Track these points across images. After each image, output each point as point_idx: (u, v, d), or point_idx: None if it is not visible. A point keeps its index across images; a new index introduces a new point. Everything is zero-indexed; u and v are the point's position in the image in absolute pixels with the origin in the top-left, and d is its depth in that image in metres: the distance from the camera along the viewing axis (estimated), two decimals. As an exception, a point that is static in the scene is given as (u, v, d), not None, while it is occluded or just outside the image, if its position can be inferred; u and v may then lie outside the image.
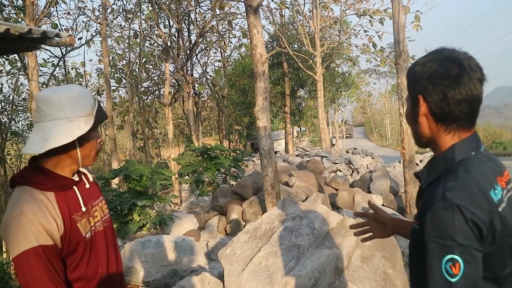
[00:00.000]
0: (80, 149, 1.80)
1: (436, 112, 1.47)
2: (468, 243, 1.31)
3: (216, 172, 10.79)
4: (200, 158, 11.20)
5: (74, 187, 1.87)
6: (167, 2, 18.00)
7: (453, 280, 1.30)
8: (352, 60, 26.21)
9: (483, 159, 1.49)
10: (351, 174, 15.60)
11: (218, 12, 18.64)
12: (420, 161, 15.19)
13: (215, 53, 27.00)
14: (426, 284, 1.37)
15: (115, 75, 22.89)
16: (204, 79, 24.72)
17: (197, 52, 22.02)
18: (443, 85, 1.43)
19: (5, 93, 20.24)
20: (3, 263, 14.85)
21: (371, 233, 2.13)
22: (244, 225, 8.26)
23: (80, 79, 22.66)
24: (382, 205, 9.63)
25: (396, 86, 9.62)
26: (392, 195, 10.25)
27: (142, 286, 5.53)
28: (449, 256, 1.31)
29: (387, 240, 4.65)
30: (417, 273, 1.53)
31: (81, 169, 1.96)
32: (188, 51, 19.31)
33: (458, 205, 1.32)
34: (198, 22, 19.12)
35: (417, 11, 15.69)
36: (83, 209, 1.86)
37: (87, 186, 1.97)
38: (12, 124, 20.11)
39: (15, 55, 16.10)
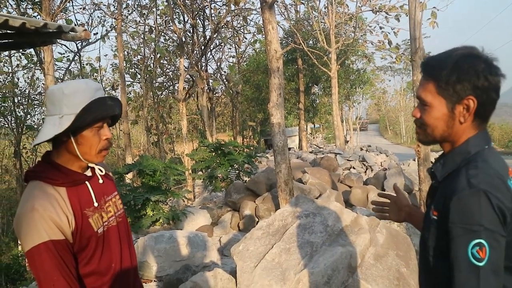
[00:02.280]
0: (77, 146, 1.78)
1: (481, 110, 1.48)
2: (494, 228, 1.33)
3: (230, 168, 10.79)
4: (213, 154, 11.21)
5: (86, 182, 1.87)
6: (182, -2, 18.02)
7: (480, 264, 1.32)
8: (367, 57, 26.00)
9: (495, 152, 1.52)
10: (365, 172, 15.51)
11: (233, 7, 18.61)
12: (435, 159, 15.05)
13: (230, 48, 27.01)
14: (452, 270, 1.38)
15: (130, 70, 22.99)
16: (219, 74, 24.71)
17: (211, 48, 22.00)
18: (496, 85, 1.46)
19: (21, 87, 20.46)
20: (18, 256, 15.05)
21: (387, 214, 2.17)
22: (257, 222, 8.25)
23: (95, 74, 22.81)
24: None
25: (411, 83, 9.54)
26: (407, 193, 10.17)
27: (154, 281, 5.55)
28: (476, 241, 1.33)
29: (401, 239, 4.61)
30: (431, 265, 1.54)
31: (91, 164, 1.94)
32: (202, 47, 19.32)
33: (484, 190, 1.35)
34: (213, 18, 19.10)
35: (434, 7, 15.52)
36: (95, 204, 1.87)
37: (100, 181, 1.96)
38: (28, 118, 20.32)
39: (31, 49, 16.25)
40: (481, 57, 1.48)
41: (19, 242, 17.76)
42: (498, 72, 1.47)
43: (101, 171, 2.00)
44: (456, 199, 1.38)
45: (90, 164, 1.92)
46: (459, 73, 1.46)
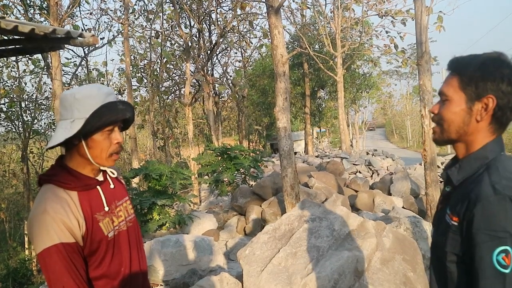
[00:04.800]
0: (88, 150, 1.82)
1: (499, 114, 1.50)
2: None
3: (236, 172, 10.79)
4: (219, 158, 11.23)
5: (98, 187, 1.91)
6: (189, 3, 18.08)
7: (506, 271, 1.31)
8: (373, 61, 25.98)
9: (510, 158, 1.52)
10: (371, 176, 15.48)
11: (239, 12, 18.68)
12: (442, 163, 15.00)
13: (236, 53, 27.09)
14: (475, 277, 1.37)
15: (137, 74, 23.06)
16: (225, 79, 24.79)
17: (217, 52, 22.07)
18: None
19: (28, 92, 20.55)
20: (25, 260, 15.11)
21: None
22: (263, 226, 8.25)
23: (102, 79, 22.90)
24: (403, 207, 9.54)
25: (417, 87, 9.53)
26: (413, 198, 10.15)
27: (161, 285, 5.56)
28: (502, 248, 1.32)
29: (408, 243, 4.61)
30: (448, 271, 1.53)
31: (102, 168, 1.97)
32: (208, 51, 19.38)
33: (510, 196, 1.35)
34: (219, 22, 19.15)
35: (440, 12, 15.49)
36: (106, 208, 1.90)
37: (112, 186, 2.00)
38: (35, 123, 20.42)
39: (39, 54, 16.35)
40: (508, 62, 1.50)
41: (26, 246, 17.86)
42: None
43: (113, 173, 2.03)
44: (481, 205, 1.37)
45: (102, 168, 1.95)
46: (484, 72, 1.48)
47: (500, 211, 1.34)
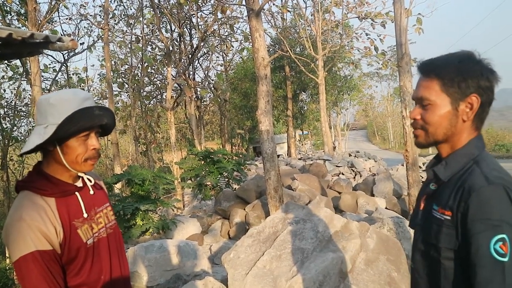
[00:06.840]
0: (63, 155, 1.78)
1: (480, 111, 1.53)
2: None
3: (219, 176, 10.76)
4: (202, 162, 11.18)
5: (77, 193, 1.86)
6: (169, 7, 18.02)
7: (504, 259, 1.31)
8: (354, 63, 26.17)
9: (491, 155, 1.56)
10: (354, 177, 15.54)
11: (219, 16, 18.68)
12: (423, 163, 15.12)
13: (217, 57, 27.07)
14: (473, 267, 1.37)
15: (117, 80, 22.89)
16: (206, 83, 24.72)
17: (199, 56, 22.02)
18: (494, 86, 1.52)
19: (7, 98, 20.26)
20: (6, 269, 14.87)
21: None
22: (248, 229, 8.24)
23: (83, 84, 22.68)
24: (386, 208, 9.60)
25: (398, 89, 9.61)
26: (395, 198, 10.23)
27: (145, 291, 5.51)
28: (499, 236, 1.32)
29: (391, 243, 4.63)
30: (442, 266, 1.51)
31: (80, 174, 1.93)
32: (190, 55, 19.32)
33: (503, 185, 1.37)
34: (200, 26, 19.11)
35: (419, 14, 15.69)
36: (85, 215, 1.85)
37: (91, 192, 1.95)
38: (14, 130, 20.13)
39: (17, 60, 16.14)
40: (480, 60, 1.53)
41: (7, 255, 17.59)
42: (496, 74, 1.52)
43: (90, 181, 1.98)
44: (475, 195, 1.38)
45: (79, 174, 1.91)
46: (464, 72, 1.50)
47: (494, 199, 1.35)
